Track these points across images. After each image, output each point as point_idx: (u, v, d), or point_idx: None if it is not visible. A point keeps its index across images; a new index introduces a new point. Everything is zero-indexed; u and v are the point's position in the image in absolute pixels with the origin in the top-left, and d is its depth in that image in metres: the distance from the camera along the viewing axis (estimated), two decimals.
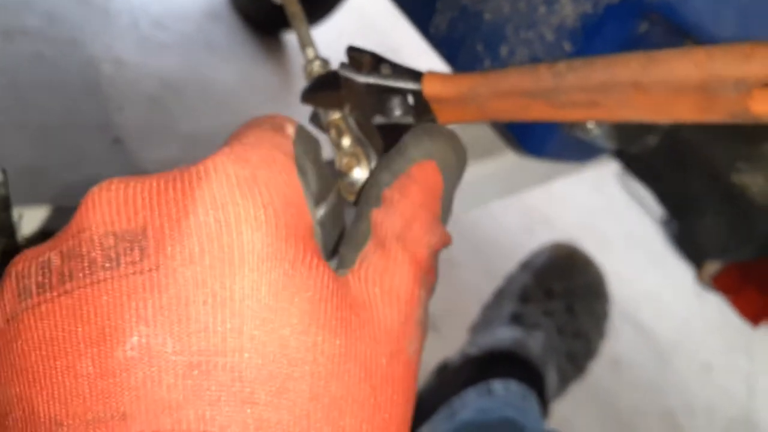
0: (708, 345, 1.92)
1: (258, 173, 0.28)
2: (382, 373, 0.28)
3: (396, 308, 0.30)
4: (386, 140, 0.43)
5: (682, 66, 0.31)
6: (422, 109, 0.40)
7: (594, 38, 0.49)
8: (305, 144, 0.34)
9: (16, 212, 0.71)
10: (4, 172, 0.70)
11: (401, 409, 0.29)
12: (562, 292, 1.25)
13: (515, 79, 0.35)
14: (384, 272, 0.31)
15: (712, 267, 0.89)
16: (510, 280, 1.34)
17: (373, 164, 0.42)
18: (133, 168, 1.52)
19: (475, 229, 1.76)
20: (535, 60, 0.53)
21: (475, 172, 0.84)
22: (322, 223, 0.36)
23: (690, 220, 0.69)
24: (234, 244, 0.27)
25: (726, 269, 0.88)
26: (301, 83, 0.46)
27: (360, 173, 0.42)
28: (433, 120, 0.41)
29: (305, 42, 0.45)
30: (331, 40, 2.20)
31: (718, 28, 0.46)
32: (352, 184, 0.41)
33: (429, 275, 0.34)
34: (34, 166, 1.43)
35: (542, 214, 1.90)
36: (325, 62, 0.45)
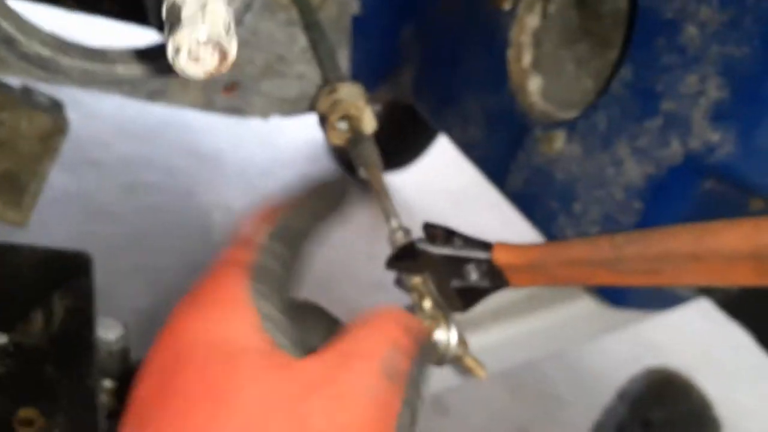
0: None
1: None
2: None
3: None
4: (465, 301, 0.47)
5: (732, 238, 0.33)
6: (496, 274, 0.44)
7: (660, 196, 0.52)
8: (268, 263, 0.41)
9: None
10: (126, 325, 0.77)
11: None
12: (662, 422, 1.18)
13: (578, 251, 0.38)
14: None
15: None
16: (607, 413, 1.28)
17: (453, 327, 0.45)
18: None
19: (582, 363, 1.71)
20: (608, 217, 0.56)
21: (561, 314, 0.85)
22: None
23: None
24: None
25: None
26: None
27: (441, 335, 0.45)
28: (507, 285, 0.44)
29: (389, 213, 0.51)
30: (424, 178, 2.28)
31: None
32: (433, 346, 0.44)
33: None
34: (149, 309, 1.55)
35: (653, 344, 1.82)
36: (407, 231, 0.50)
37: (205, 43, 0.35)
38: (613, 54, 0.78)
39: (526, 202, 0.65)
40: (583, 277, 0.39)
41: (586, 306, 0.87)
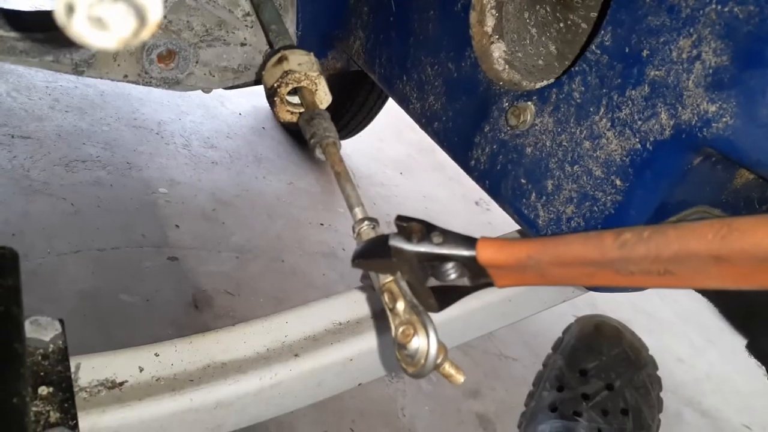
0: None
1: None
2: None
3: None
4: (441, 301, 0.42)
5: (765, 236, 0.29)
6: (478, 272, 0.39)
7: (645, 174, 0.47)
8: None
9: (72, 362, 0.71)
10: (62, 322, 0.70)
11: None
12: (597, 370, 1.19)
13: (577, 249, 0.33)
14: None
15: None
16: (547, 365, 1.29)
17: (431, 330, 0.40)
18: (188, 284, 1.53)
19: (526, 323, 1.72)
20: (585, 195, 0.51)
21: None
22: None
23: (758, 329, 0.65)
24: None
25: None
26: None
27: (419, 342, 0.40)
28: (490, 283, 0.39)
29: (352, 202, 0.45)
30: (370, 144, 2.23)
31: None
32: (412, 355, 0.39)
33: None
34: (91, 290, 1.46)
35: (588, 298, 1.85)
36: (373, 222, 0.45)
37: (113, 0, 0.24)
38: (575, 15, 0.72)
39: (492, 178, 0.59)
40: (581, 277, 0.34)
41: None
